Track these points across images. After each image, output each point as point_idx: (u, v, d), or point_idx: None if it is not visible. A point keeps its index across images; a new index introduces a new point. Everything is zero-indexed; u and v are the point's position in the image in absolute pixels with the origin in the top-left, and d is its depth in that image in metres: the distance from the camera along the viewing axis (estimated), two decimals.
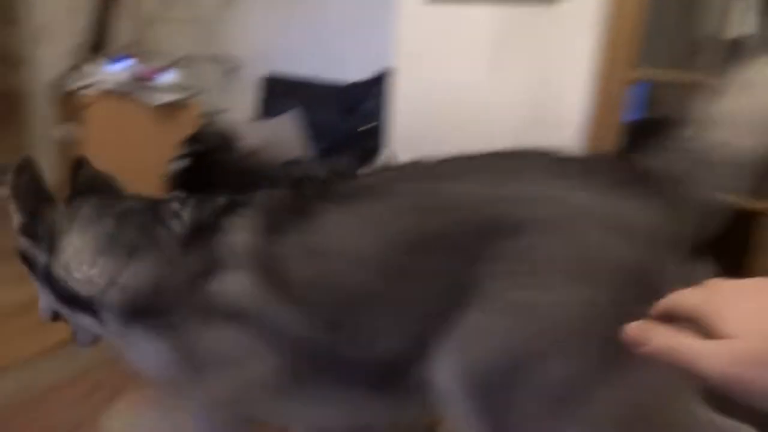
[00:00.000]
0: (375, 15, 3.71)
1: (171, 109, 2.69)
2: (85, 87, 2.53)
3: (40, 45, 4.16)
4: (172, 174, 2.92)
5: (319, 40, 3.97)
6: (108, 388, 1.76)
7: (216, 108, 4.26)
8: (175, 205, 0.98)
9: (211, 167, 3.29)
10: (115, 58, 2.85)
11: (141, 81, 2.66)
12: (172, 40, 4.53)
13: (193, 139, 3.16)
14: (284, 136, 3.66)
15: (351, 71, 3.82)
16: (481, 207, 0.80)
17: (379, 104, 3.44)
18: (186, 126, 2.77)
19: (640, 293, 0.59)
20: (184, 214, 0.96)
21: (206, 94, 2.98)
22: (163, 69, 2.84)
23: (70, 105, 2.89)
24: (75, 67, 2.89)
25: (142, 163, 2.66)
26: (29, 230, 1.02)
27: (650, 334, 0.46)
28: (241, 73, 4.31)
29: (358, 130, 3.40)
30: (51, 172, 3.53)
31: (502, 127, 2.76)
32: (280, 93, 3.91)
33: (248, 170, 3.22)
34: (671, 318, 0.47)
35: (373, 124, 3.44)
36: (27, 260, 1.03)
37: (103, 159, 2.53)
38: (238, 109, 4.23)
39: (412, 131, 2.98)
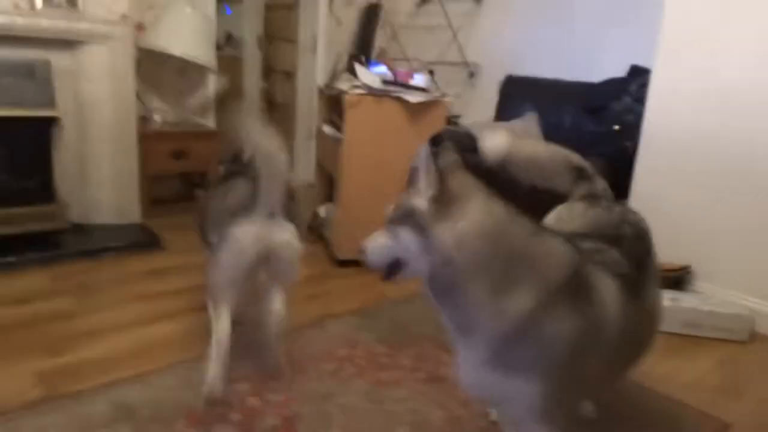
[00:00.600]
0: (618, 15, 3.45)
1: (422, 108, 2.80)
2: (348, 89, 2.76)
3: (309, 56, 4.74)
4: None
5: (558, 42, 3.82)
6: (355, 366, 1.89)
7: (460, 110, 4.37)
8: None
9: None
10: (372, 63, 3.08)
11: (395, 83, 2.82)
12: (419, 47, 4.78)
13: (436, 139, 3.27)
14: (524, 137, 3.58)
15: (593, 71, 3.61)
16: None
17: (629, 103, 3.16)
18: (434, 125, 2.87)
19: None
20: None
21: (452, 96, 3.05)
22: (414, 72, 2.98)
23: (335, 106, 3.21)
24: (339, 73, 3.20)
25: (395, 156, 2.82)
26: None
27: None
28: (483, 77, 4.35)
29: (610, 129, 3.15)
30: (312, 167, 4.00)
31: None
32: (520, 94, 3.84)
33: (490, 170, 3.22)
34: None
35: (621, 125, 3.17)
36: None
37: (361, 152, 2.76)
38: (480, 111, 4.28)
39: (670, 133, 2.67)
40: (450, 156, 1.07)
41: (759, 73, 2.40)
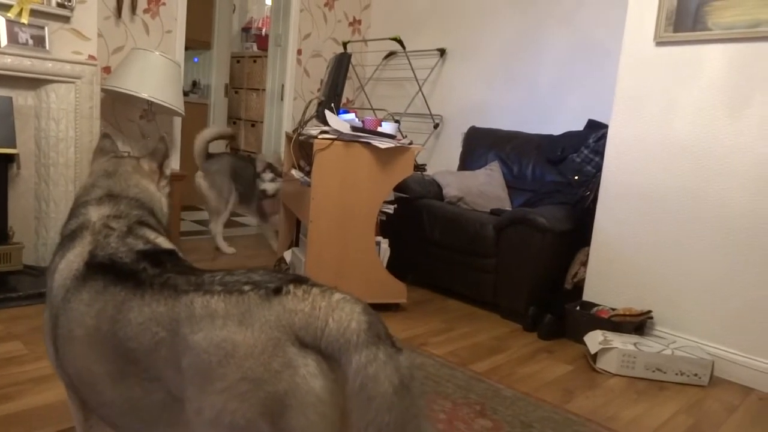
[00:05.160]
0: (575, 72, 3.65)
1: (390, 155, 2.84)
2: (318, 134, 2.79)
3: (276, 104, 4.79)
4: (384, 217, 3.08)
5: (518, 96, 3.99)
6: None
7: (425, 159, 4.46)
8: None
9: (420, 211, 3.41)
10: (341, 111, 3.13)
11: (364, 130, 2.86)
12: (385, 98, 4.91)
13: (402, 187, 3.32)
14: (487, 186, 3.67)
15: (551, 125, 3.77)
16: None
17: (587, 155, 3.30)
18: (402, 171, 2.90)
19: None
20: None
21: (418, 145, 3.11)
22: (381, 121, 3.04)
23: (303, 151, 3.23)
24: (308, 120, 3.24)
25: (363, 201, 2.85)
26: None
27: None
28: (447, 128, 4.48)
29: (570, 179, 3.27)
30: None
31: (739, 178, 2.44)
32: (484, 145, 3.96)
33: (454, 216, 3.27)
34: None
35: (580, 175, 3.28)
36: None
37: (329, 196, 2.77)
38: (444, 161, 4.38)
39: (628, 183, 2.79)
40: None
41: (707, 126, 2.56)
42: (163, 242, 1.15)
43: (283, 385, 0.77)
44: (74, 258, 1.07)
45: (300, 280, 0.86)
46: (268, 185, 3.83)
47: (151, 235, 1.15)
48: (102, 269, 1.02)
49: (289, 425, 0.77)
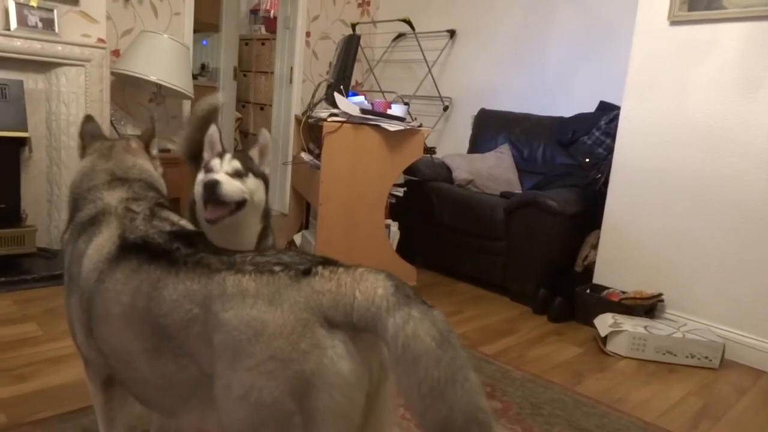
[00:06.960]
0: (586, 54, 3.60)
1: (399, 137, 2.83)
2: (327, 117, 2.78)
3: (285, 87, 4.77)
4: (393, 200, 3.08)
5: (529, 78, 3.95)
6: None
7: (435, 142, 4.44)
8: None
9: (429, 194, 3.41)
10: (350, 93, 3.11)
11: (373, 112, 2.85)
12: (394, 81, 4.87)
13: (412, 170, 3.31)
14: (497, 169, 3.65)
15: (562, 107, 3.73)
16: None
17: (599, 137, 3.27)
18: (412, 154, 2.89)
19: None
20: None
21: (427, 127, 3.10)
22: (390, 103, 3.03)
23: (313, 134, 3.22)
24: (318, 102, 3.22)
25: (373, 183, 2.85)
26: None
27: None
28: (456, 110, 4.45)
29: (581, 161, 3.24)
30: (285, 197, 3.98)
31: (753, 160, 2.41)
32: (494, 127, 3.93)
33: (464, 199, 3.26)
34: None
35: (591, 158, 3.26)
36: None
37: (339, 178, 2.76)
38: (454, 144, 4.36)
39: (640, 166, 2.76)
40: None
41: (722, 107, 2.52)
42: (187, 224, 1.16)
43: (311, 365, 0.78)
44: (104, 242, 1.08)
45: (328, 262, 0.87)
46: (221, 177, 1.54)
47: (174, 217, 1.16)
48: (135, 250, 1.03)
49: (314, 405, 0.78)
